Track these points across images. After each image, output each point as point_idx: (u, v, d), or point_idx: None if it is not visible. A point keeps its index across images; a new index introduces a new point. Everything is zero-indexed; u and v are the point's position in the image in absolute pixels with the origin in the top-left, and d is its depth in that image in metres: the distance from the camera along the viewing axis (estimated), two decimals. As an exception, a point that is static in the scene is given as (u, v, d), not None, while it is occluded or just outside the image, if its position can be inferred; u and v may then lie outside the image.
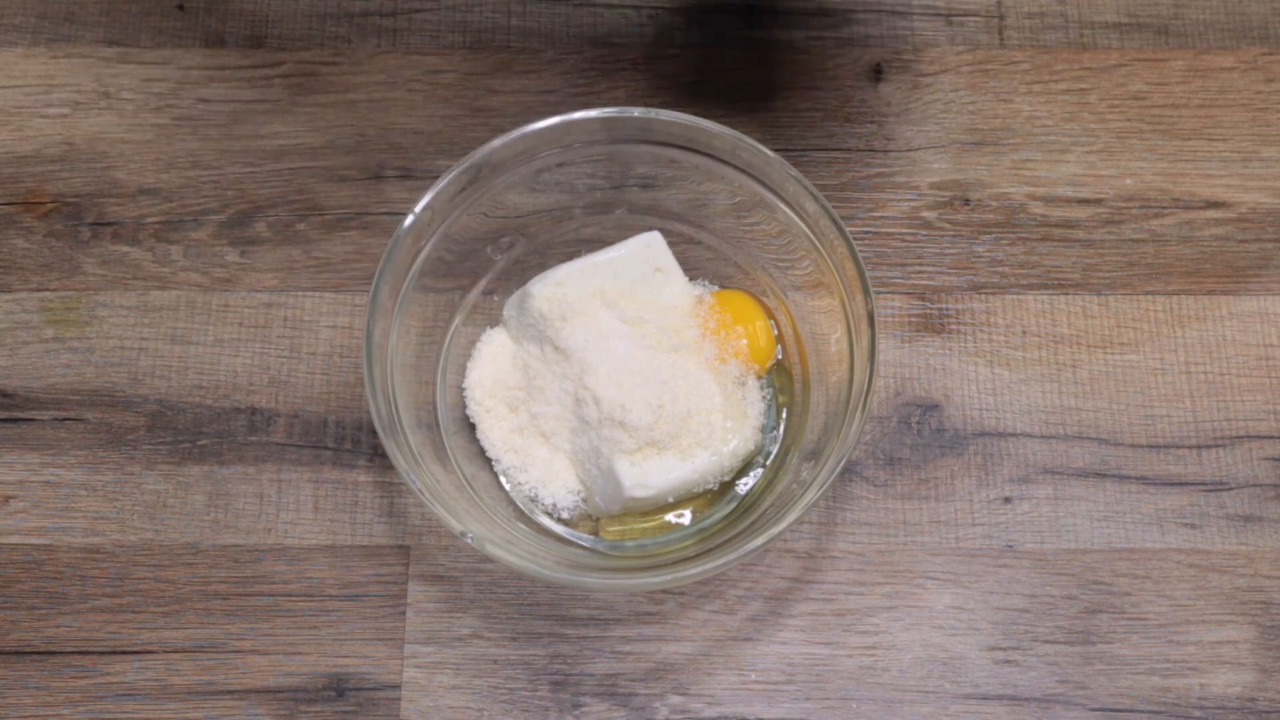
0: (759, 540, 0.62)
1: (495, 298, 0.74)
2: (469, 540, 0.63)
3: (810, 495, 0.63)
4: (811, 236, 0.69)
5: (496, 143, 0.68)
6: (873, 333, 0.65)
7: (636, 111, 0.69)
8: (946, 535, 0.72)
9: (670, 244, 0.73)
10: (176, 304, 0.77)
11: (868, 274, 0.66)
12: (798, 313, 0.73)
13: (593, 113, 0.69)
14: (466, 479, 0.70)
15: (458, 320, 0.73)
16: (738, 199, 0.72)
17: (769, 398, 0.72)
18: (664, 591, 0.71)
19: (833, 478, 0.63)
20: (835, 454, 0.64)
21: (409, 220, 0.67)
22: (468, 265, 0.73)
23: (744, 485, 0.71)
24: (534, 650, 0.70)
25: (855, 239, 0.72)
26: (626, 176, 0.74)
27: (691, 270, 0.74)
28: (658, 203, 0.74)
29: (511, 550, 0.64)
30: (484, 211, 0.71)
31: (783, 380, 0.73)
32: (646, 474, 0.68)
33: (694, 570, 0.63)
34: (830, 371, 0.70)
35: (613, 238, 0.73)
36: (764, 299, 0.74)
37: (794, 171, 0.68)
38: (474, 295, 0.74)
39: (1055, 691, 0.69)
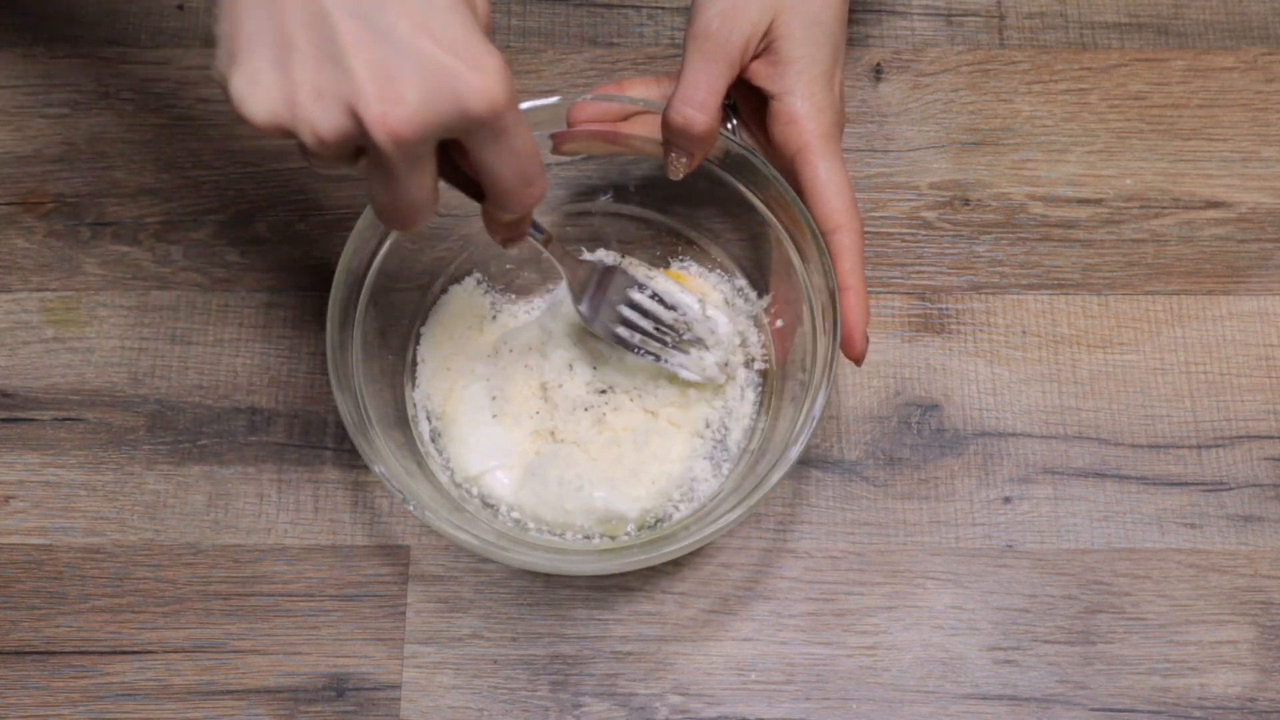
0: (736, 514, 0.63)
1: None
2: (411, 508, 0.63)
3: (764, 488, 0.63)
4: (781, 228, 0.69)
5: None
6: (835, 309, 0.65)
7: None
8: (946, 535, 0.72)
9: (653, 234, 0.73)
10: (176, 304, 0.77)
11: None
12: (778, 308, 0.72)
13: (553, 99, 0.69)
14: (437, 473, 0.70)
15: (419, 324, 0.74)
16: (723, 194, 0.71)
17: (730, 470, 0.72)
18: (609, 582, 0.71)
19: (795, 456, 0.63)
20: (798, 436, 0.64)
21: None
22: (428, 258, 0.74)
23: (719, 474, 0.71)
24: (534, 650, 0.70)
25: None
26: (611, 169, 0.75)
27: (675, 259, 0.75)
28: (642, 191, 0.75)
29: (457, 527, 0.64)
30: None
31: (765, 388, 0.73)
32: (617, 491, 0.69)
33: (650, 555, 0.63)
34: (802, 366, 0.69)
35: (595, 225, 0.74)
36: (744, 294, 0.74)
37: (765, 166, 0.68)
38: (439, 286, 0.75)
39: (1055, 691, 0.69)
